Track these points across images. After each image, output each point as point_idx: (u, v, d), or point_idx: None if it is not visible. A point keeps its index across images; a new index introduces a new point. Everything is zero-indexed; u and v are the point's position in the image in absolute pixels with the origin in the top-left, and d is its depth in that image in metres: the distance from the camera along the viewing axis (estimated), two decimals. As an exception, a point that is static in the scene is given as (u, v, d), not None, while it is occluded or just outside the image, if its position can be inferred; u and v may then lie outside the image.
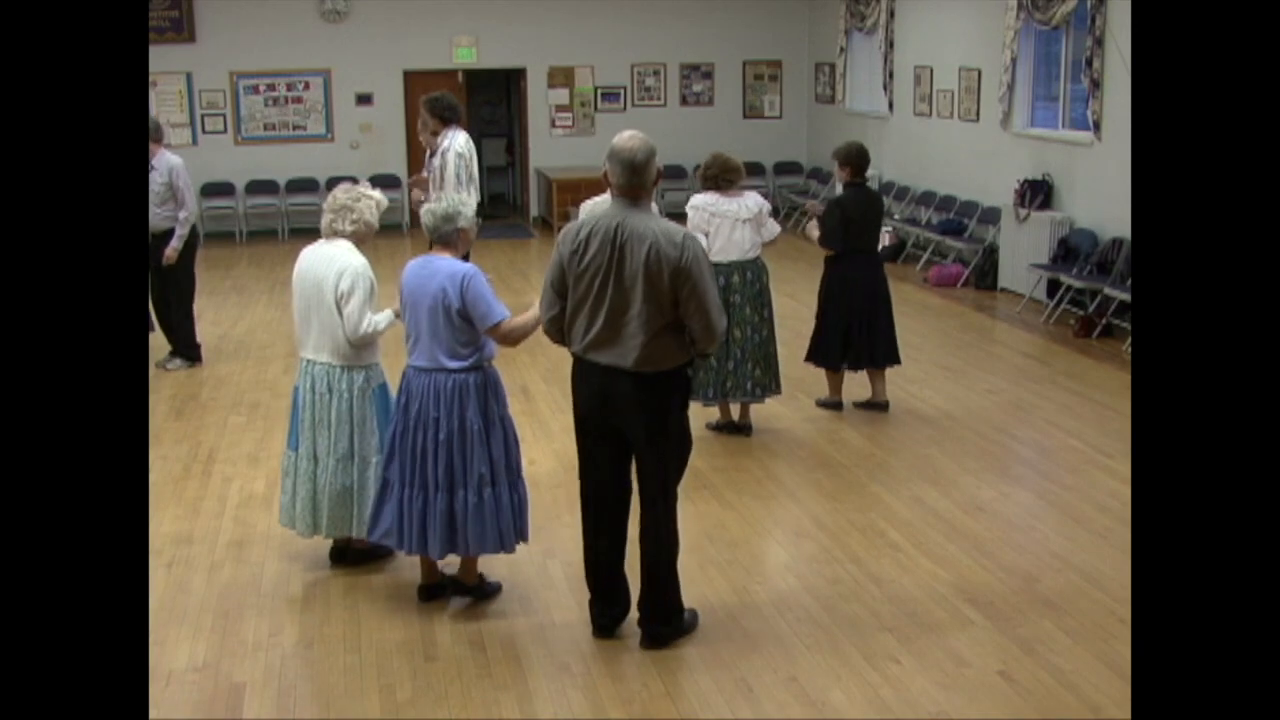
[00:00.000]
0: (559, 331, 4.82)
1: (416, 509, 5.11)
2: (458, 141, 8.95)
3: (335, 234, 5.43)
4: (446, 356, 5.03)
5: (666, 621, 4.95)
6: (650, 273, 4.56)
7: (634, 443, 4.80)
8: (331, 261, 5.35)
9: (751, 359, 7.28)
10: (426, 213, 5.23)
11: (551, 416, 7.96)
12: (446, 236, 5.15)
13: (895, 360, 7.89)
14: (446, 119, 9.02)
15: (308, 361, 5.46)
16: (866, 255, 7.76)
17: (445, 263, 5.07)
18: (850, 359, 7.83)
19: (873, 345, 7.77)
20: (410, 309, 5.10)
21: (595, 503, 4.94)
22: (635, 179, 4.65)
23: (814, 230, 7.79)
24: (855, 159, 7.61)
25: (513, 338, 5.11)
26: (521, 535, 5.25)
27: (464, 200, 5.26)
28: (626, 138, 4.70)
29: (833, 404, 7.96)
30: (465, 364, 5.05)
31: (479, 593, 5.36)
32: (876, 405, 7.92)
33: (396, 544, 5.25)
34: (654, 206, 5.11)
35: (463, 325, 5.00)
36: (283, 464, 5.65)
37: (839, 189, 8.11)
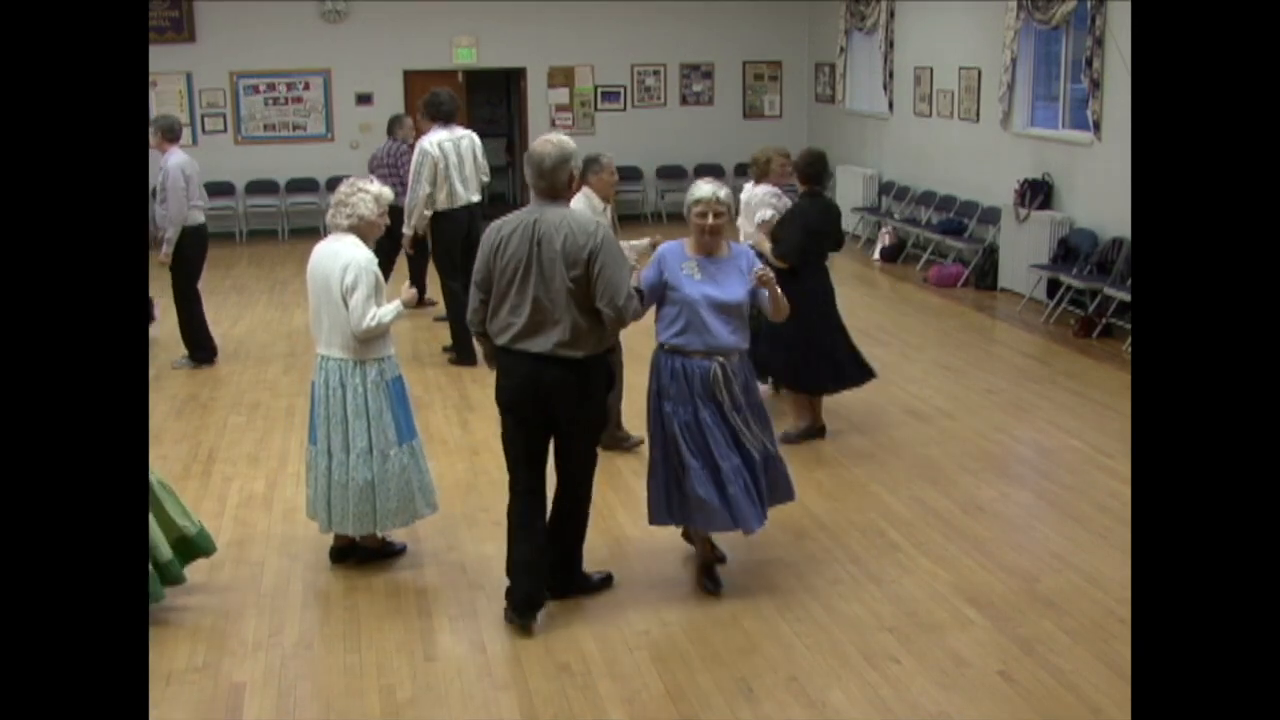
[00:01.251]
0: (481, 324, 5.09)
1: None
2: (426, 140, 9.04)
3: (336, 228, 5.49)
4: None
5: (569, 571, 5.27)
6: (567, 260, 4.80)
7: (560, 424, 5.03)
8: (337, 256, 5.40)
9: None
10: None
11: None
12: None
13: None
14: (432, 116, 9.14)
15: (321, 357, 5.51)
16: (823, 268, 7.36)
17: None
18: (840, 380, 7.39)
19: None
20: None
21: (518, 471, 5.10)
22: (543, 181, 4.93)
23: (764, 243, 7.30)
24: (805, 168, 7.24)
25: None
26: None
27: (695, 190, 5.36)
28: (541, 142, 5.00)
29: (816, 431, 7.43)
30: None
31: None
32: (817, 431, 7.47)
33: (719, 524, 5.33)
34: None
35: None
36: (306, 458, 5.73)
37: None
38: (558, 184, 4.91)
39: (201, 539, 5.39)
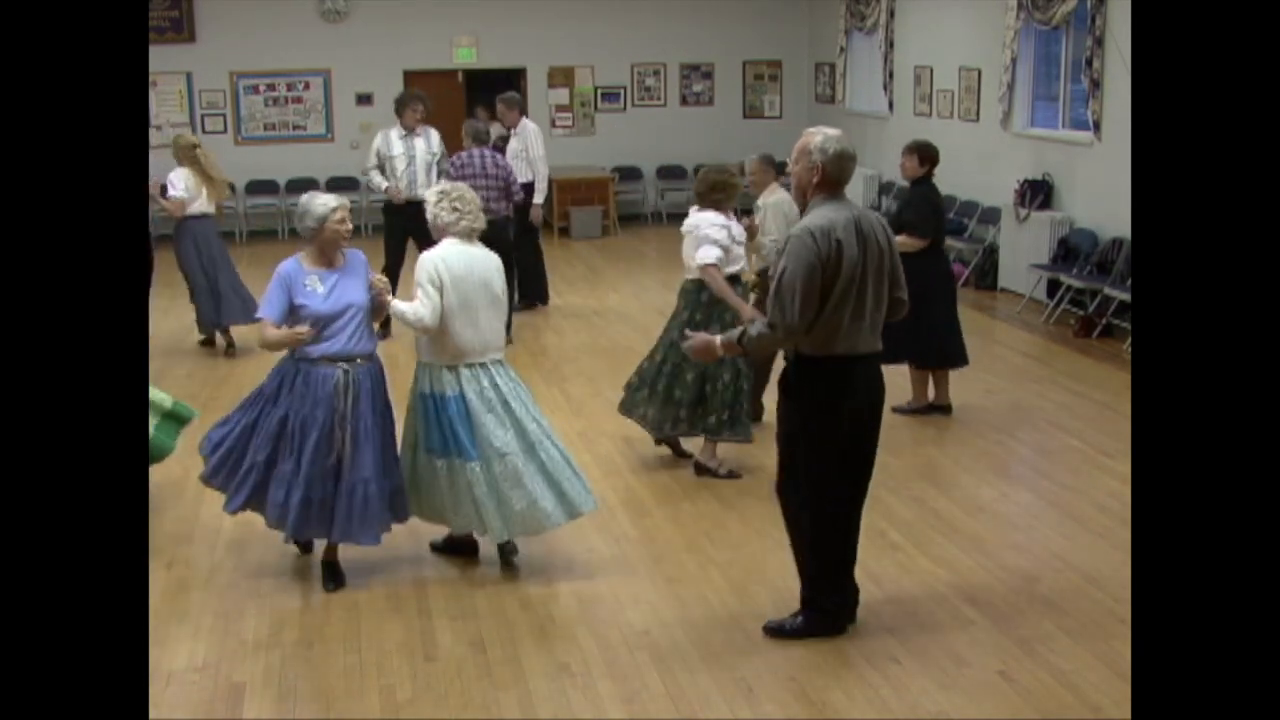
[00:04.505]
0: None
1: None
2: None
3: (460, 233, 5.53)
4: None
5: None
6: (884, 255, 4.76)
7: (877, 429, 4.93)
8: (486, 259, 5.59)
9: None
10: None
11: (551, 419, 7.93)
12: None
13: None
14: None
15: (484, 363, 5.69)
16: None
17: None
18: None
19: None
20: None
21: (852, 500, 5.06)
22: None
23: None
24: (933, 153, 7.66)
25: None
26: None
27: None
28: (839, 135, 4.71)
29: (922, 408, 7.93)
30: None
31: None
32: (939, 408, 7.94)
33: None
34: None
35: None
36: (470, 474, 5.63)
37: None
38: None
39: (180, 408, 6.36)
